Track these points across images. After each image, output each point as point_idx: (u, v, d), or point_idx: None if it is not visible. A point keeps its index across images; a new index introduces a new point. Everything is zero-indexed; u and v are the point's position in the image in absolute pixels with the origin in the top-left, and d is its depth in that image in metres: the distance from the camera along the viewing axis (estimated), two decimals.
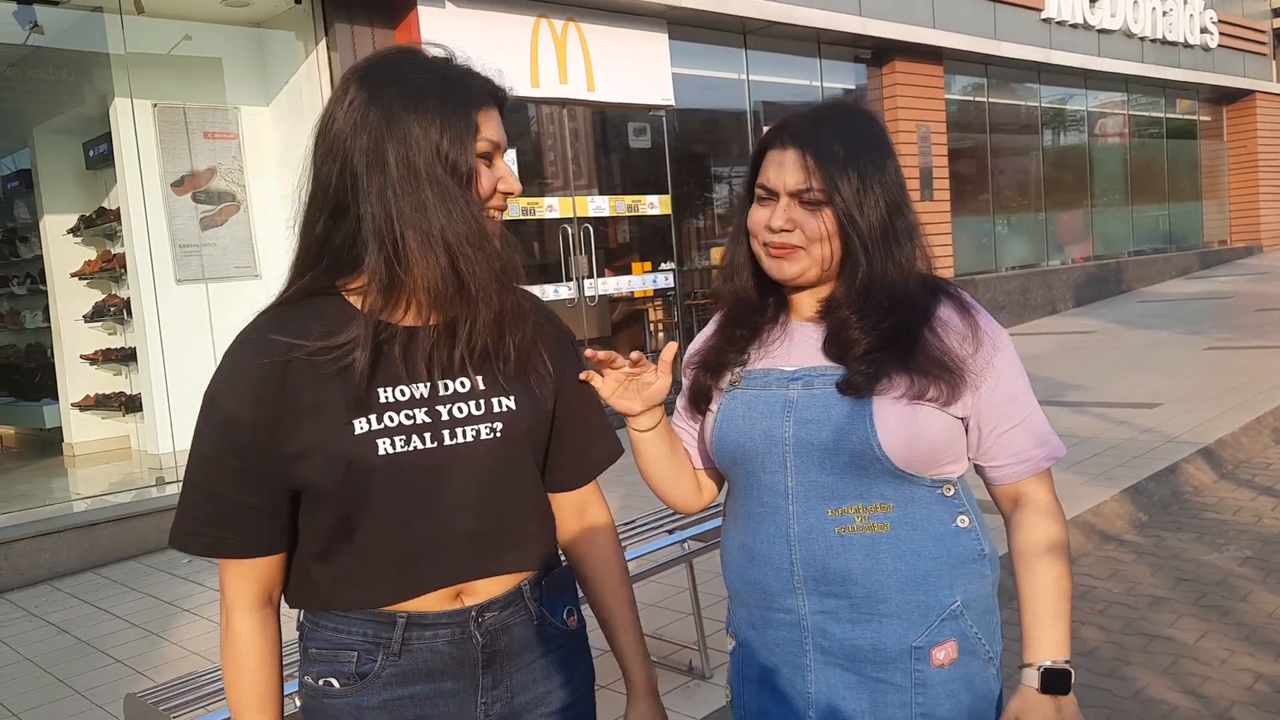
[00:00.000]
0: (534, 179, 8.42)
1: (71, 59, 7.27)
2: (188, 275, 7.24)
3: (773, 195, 1.42)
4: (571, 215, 8.28)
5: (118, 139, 7.04)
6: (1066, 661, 1.40)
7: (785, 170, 1.40)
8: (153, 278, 7.05)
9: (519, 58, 7.83)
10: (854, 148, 1.40)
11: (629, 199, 8.88)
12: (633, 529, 3.54)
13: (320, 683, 1.28)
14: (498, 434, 1.29)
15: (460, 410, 1.28)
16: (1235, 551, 4.47)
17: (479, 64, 1.31)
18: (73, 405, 8.28)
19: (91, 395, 8.27)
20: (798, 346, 1.47)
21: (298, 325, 1.23)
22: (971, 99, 12.71)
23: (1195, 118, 17.41)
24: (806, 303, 1.48)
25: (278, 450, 1.22)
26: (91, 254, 8.27)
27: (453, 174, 1.21)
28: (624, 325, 9.80)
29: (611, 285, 8.78)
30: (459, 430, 1.27)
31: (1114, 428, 6.51)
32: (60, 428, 8.52)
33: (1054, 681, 1.38)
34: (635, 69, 8.64)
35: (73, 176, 8.28)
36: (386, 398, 1.24)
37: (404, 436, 1.24)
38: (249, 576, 1.27)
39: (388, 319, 1.25)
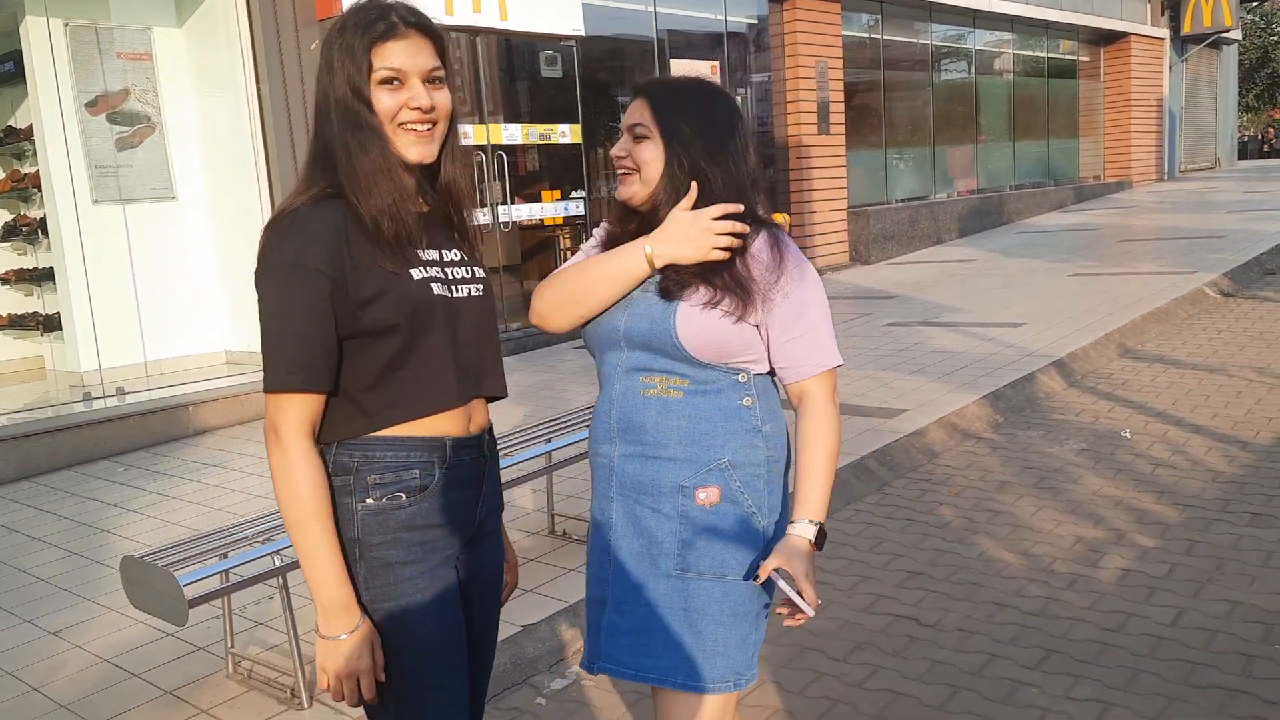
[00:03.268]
0: None
1: None
2: (105, 196, 7.33)
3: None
4: (485, 142, 8.55)
5: (29, 57, 7.03)
6: (822, 522, 1.76)
7: (628, 112, 1.84)
8: (73, 198, 7.12)
9: None
10: (685, 100, 1.80)
11: (541, 127, 9.16)
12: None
13: (385, 500, 1.58)
14: (481, 292, 1.71)
15: (457, 273, 1.67)
16: (1073, 445, 5.19)
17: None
18: None
19: (4, 315, 8.30)
20: None
21: (340, 208, 1.55)
22: (867, 36, 13.24)
23: (1075, 58, 18.32)
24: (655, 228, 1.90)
25: (353, 296, 1.52)
26: (0, 173, 8.23)
27: (358, 100, 1.53)
28: (534, 252, 10.14)
29: (524, 212, 9.09)
30: (459, 288, 1.66)
31: (982, 344, 7.21)
32: None
33: (819, 537, 1.74)
34: None
35: None
36: (424, 257, 1.62)
37: (439, 284, 1.61)
38: (311, 409, 1.54)
39: None
